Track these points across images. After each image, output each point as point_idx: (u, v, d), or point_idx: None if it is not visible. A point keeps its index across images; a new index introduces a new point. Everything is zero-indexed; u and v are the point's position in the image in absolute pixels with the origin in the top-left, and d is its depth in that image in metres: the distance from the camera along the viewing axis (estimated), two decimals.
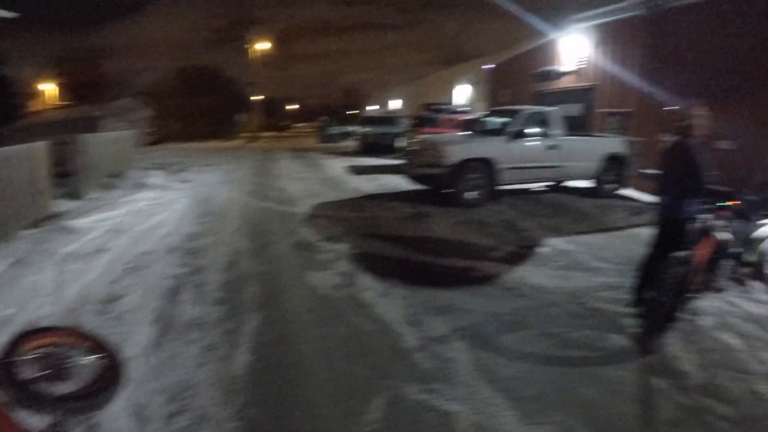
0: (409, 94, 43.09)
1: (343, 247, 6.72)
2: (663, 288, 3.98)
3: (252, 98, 46.01)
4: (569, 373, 3.72)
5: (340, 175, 14.73)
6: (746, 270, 5.98)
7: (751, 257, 6.06)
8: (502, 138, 9.90)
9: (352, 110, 72.40)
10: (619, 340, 4.23)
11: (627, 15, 14.02)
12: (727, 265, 5.85)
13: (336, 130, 32.11)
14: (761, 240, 5.99)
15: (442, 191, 9.74)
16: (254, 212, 9.21)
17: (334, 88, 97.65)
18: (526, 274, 5.86)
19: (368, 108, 59.25)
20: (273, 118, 68.56)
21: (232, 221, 8.44)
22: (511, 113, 10.71)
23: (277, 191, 11.50)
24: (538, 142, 10.22)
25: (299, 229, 7.81)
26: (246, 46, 42.51)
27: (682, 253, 4.10)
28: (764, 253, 5.85)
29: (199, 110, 42.87)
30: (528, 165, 10.06)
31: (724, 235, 4.79)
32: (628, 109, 13.92)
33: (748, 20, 10.85)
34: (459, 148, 9.59)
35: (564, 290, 5.34)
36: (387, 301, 4.95)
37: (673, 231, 4.31)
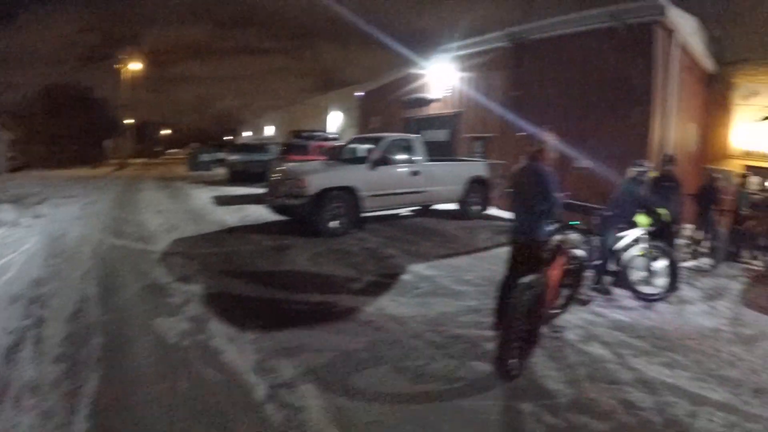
0: (284, 120, 42.67)
1: (196, 288, 6.15)
2: (516, 312, 3.95)
3: (124, 122, 42.63)
4: (431, 410, 3.51)
5: (205, 206, 13.85)
6: (610, 279, 6.49)
7: (613, 267, 6.51)
8: (364, 165, 9.86)
9: (228, 136, 70.49)
10: (482, 367, 4.12)
11: (491, 46, 14.79)
12: (589, 277, 6.23)
13: (207, 157, 30.37)
14: (621, 250, 6.43)
15: (304, 222, 9.43)
16: (108, 251, 8.32)
17: (210, 113, 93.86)
18: (386, 304, 5.67)
19: (244, 134, 57.80)
20: (145, 143, 64.75)
21: (83, 263, 7.50)
22: (374, 140, 10.77)
23: (135, 226, 10.54)
24: (402, 169, 10.38)
25: (153, 269, 7.12)
26: (118, 66, 38.90)
27: (529, 278, 4.12)
28: (625, 262, 6.34)
29: (68, 134, 38.74)
30: (391, 191, 10.11)
31: (578, 252, 5.09)
32: (491, 134, 14.69)
33: (592, 54, 11.92)
34: (318, 177, 9.36)
35: (425, 318, 5.21)
36: (236, 347, 4.50)
37: (526, 252, 4.38)
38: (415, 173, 10.49)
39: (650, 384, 4.01)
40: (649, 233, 6.33)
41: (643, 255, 6.30)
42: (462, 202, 11.66)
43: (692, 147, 13.68)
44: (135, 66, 39.13)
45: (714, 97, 14.26)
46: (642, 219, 6.29)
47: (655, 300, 6.09)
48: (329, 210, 9.24)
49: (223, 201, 14.70)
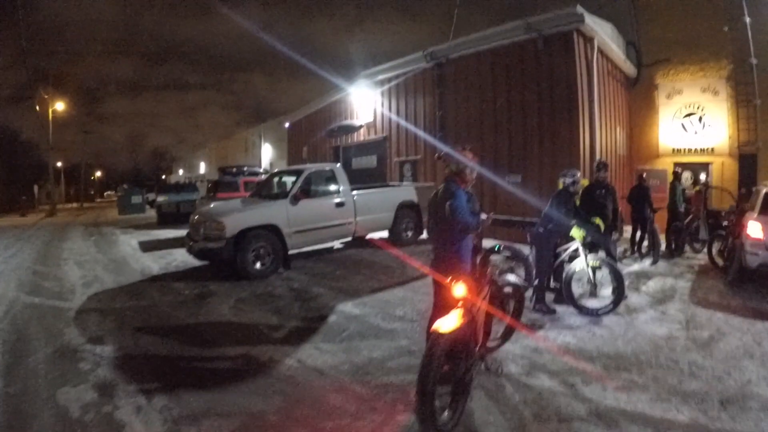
0: (215, 155, 41.59)
1: (107, 350, 5.42)
2: (432, 364, 3.19)
3: (54, 165, 40.01)
4: None
5: (130, 253, 12.84)
6: (552, 297, 6.12)
7: (554, 284, 6.13)
8: (284, 201, 9.23)
9: (164, 175, 68.12)
10: (411, 422, 3.50)
11: (412, 68, 14.53)
12: (529, 298, 5.81)
13: (137, 199, 29.26)
14: (560, 265, 6.10)
15: (227, 266, 8.71)
16: (20, 311, 7.39)
17: (144, 152, 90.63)
18: (309, 354, 5.00)
19: (180, 172, 56.08)
20: (78, 186, 61.34)
21: None
22: (294, 173, 10.20)
23: (53, 281, 9.54)
24: (325, 201, 9.89)
25: (66, 329, 6.34)
26: (41, 105, 34.89)
27: (447, 320, 3.49)
28: (566, 277, 5.92)
29: None
30: (317, 225, 9.58)
31: (510, 277, 4.62)
32: (418, 157, 14.35)
33: (514, 67, 11.79)
34: (236, 217, 8.70)
35: (351, 367, 4.60)
36: (142, 418, 3.81)
37: (445, 288, 3.78)
38: (339, 204, 10.02)
39: (607, 415, 3.52)
40: (587, 244, 6.00)
41: (583, 268, 5.95)
42: (393, 229, 11.31)
43: (622, 150, 13.75)
44: (59, 105, 35.86)
45: (638, 99, 14.50)
46: (576, 231, 5.90)
47: (602, 313, 5.72)
48: (252, 251, 8.55)
49: (149, 246, 13.76)
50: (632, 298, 6.37)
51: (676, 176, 10.60)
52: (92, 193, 70.97)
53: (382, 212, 11.01)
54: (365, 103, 16.70)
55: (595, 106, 11.06)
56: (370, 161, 16.64)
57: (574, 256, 6.08)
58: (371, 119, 16.50)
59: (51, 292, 8.56)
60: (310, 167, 10.45)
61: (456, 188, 3.99)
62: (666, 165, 13.93)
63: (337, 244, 11.26)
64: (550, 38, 10.97)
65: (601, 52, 11.67)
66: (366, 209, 10.56)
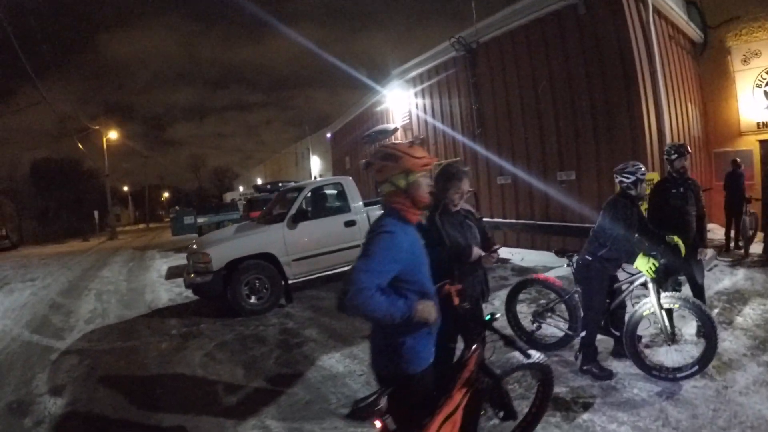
0: (270, 171, 41.37)
1: (58, 404, 4.92)
2: None
3: (122, 190, 41.14)
4: None
5: (153, 281, 12.51)
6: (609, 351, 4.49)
7: (613, 332, 4.38)
8: (281, 225, 8.01)
9: (226, 192, 69.68)
10: None
11: (441, 59, 13.01)
12: (574, 355, 4.32)
13: (189, 220, 29.17)
14: (622, 304, 4.39)
15: (220, 301, 7.70)
16: (13, 350, 7.27)
17: (207, 171, 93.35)
18: None
19: (240, 189, 56.82)
20: (144, 209, 63.47)
21: None
22: (297, 191, 8.91)
23: (63, 315, 9.40)
24: (331, 221, 8.52)
25: (38, 375, 6.01)
26: (99, 137, 35.23)
27: None
28: (630, 325, 4.04)
29: (58, 207, 38.19)
30: (321, 251, 8.24)
31: (519, 358, 2.82)
32: (456, 160, 12.76)
33: (555, 43, 10.08)
34: (222, 248, 7.60)
35: None
36: None
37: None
38: (349, 223, 8.58)
39: None
40: (659, 274, 3.86)
41: (654, 311, 3.94)
42: None
43: (696, 131, 11.62)
44: (112, 134, 36.43)
45: (708, 68, 12.23)
46: (643, 262, 3.74)
47: (682, 377, 3.79)
48: (245, 284, 7.44)
49: (175, 272, 13.24)
50: (723, 340, 4.49)
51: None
52: (161, 213, 73.22)
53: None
54: (400, 104, 15.25)
55: (659, 78, 9.07)
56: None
57: (640, 293, 4.24)
58: (407, 121, 14.99)
59: (53, 330, 8.37)
60: (312, 183, 9.20)
61: (387, 226, 2.11)
62: (751, 145, 11.66)
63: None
64: (593, 0, 9.13)
65: (658, 12, 9.71)
66: None
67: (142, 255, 19.86)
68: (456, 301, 2.43)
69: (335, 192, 9.03)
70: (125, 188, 46.76)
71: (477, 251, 2.85)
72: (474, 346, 2.50)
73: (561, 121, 9.98)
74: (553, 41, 10.03)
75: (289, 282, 7.98)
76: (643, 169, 4.06)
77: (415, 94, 14.47)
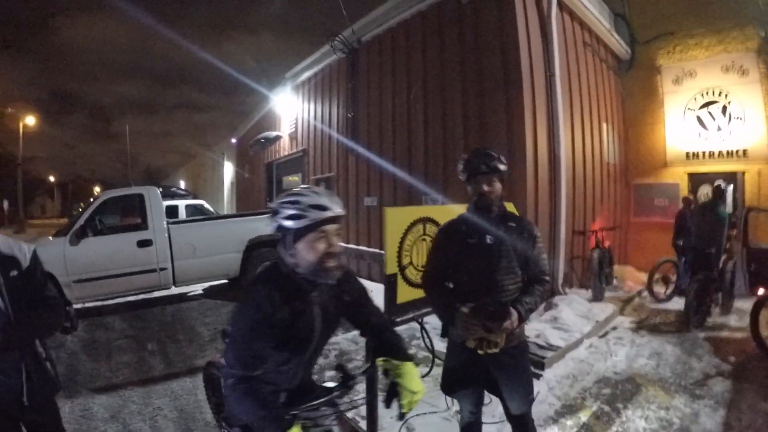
0: (191, 174, 38.68)
1: None
2: None
3: (49, 180, 37.34)
4: None
5: None
6: None
7: None
8: (63, 240, 6.90)
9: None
10: None
11: (326, 62, 10.86)
12: None
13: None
14: None
15: None
16: None
17: (141, 169, 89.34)
18: None
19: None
20: (71, 202, 57.86)
21: None
22: (108, 201, 7.63)
23: None
24: (120, 238, 7.27)
25: None
26: (18, 119, 32.22)
27: None
28: None
29: None
30: (109, 272, 7.03)
31: None
32: (330, 174, 10.60)
33: (428, 44, 8.03)
34: None
35: None
36: None
37: None
38: (144, 243, 7.28)
39: None
40: None
41: None
42: (245, 277, 8.05)
43: (612, 158, 9.66)
44: (30, 119, 32.74)
45: (634, 87, 10.36)
46: None
47: None
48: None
49: None
50: None
51: (718, 194, 6.78)
52: (81, 207, 68.83)
53: (220, 253, 7.90)
54: (288, 110, 13.07)
55: (557, 88, 7.07)
56: (297, 180, 12.95)
57: None
58: (294, 129, 12.79)
59: None
60: (105, 194, 7.77)
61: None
62: (678, 177, 9.80)
63: (199, 288, 8.67)
64: None
65: (568, 11, 7.78)
66: (189, 250, 7.63)
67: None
68: None
69: (133, 205, 7.72)
70: (51, 178, 42.84)
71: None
72: None
73: (430, 137, 7.89)
74: (431, 39, 7.98)
75: (75, 306, 6.93)
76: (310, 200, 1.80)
77: (303, 100, 12.31)
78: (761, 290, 6.03)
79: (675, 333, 6.17)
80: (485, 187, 2.53)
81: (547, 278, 2.61)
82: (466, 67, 7.24)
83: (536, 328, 5.75)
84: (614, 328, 6.37)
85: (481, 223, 2.57)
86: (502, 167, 2.54)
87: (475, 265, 2.55)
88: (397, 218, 3.55)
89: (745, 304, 6.48)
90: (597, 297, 7.18)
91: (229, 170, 24.96)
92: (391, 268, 3.46)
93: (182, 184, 39.10)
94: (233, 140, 20.53)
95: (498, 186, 2.55)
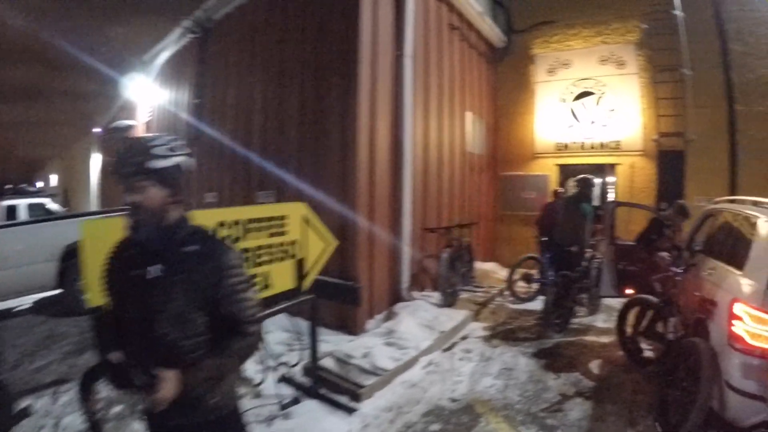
0: (65, 167, 35.46)
1: None
2: None
3: None
4: None
5: None
6: None
7: None
8: None
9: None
10: None
11: (182, 43, 9.62)
12: None
13: None
14: None
15: None
16: None
17: (15, 160, 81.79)
18: None
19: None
20: None
21: None
22: None
23: None
24: None
25: None
26: None
27: None
28: None
29: None
30: None
31: None
32: None
33: (272, 23, 7.06)
34: None
35: None
36: None
37: None
38: None
39: None
40: None
41: None
42: (65, 289, 6.64)
43: (479, 149, 9.04)
44: None
45: (507, 77, 9.90)
46: None
47: None
48: None
49: None
50: None
51: (582, 187, 6.12)
52: None
53: (29, 263, 6.39)
54: (145, 96, 11.66)
55: (407, 67, 6.22)
56: None
57: None
58: (151, 117, 11.44)
59: None
60: None
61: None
62: (548, 169, 9.39)
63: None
64: None
65: None
66: None
67: None
68: None
69: None
70: None
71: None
72: None
73: (268, 127, 6.92)
74: (276, 16, 6.98)
75: None
76: None
77: (159, 85, 11.00)
78: (629, 290, 5.49)
79: (533, 340, 5.58)
80: (131, 197, 1.60)
81: (252, 328, 1.72)
82: (306, 46, 6.30)
83: (365, 345, 4.92)
84: (464, 338, 5.68)
85: (147, 246, 1.65)
86: (156, 164, 1.62)
87: (134, 310, 1.66)
88: (101, 235, 2.43)
89: (614, 302, 6.02)
90: (447, 302, 6.39)
91: (97, 163, 22.80)
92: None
93: (53, 180, 35.67)
94: (97, 130, 18.56)
95: (155, 193, 1.63)
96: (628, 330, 4.86)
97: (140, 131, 11.94)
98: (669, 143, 8.52)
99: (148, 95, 11.40)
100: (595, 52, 9.15)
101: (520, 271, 7.28)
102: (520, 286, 7.30)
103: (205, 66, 8.67)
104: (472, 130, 8.61)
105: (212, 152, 8.06)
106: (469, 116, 8.47)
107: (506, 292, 7.36)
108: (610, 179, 9.13)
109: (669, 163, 8.53)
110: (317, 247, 4.01)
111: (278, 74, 6.75)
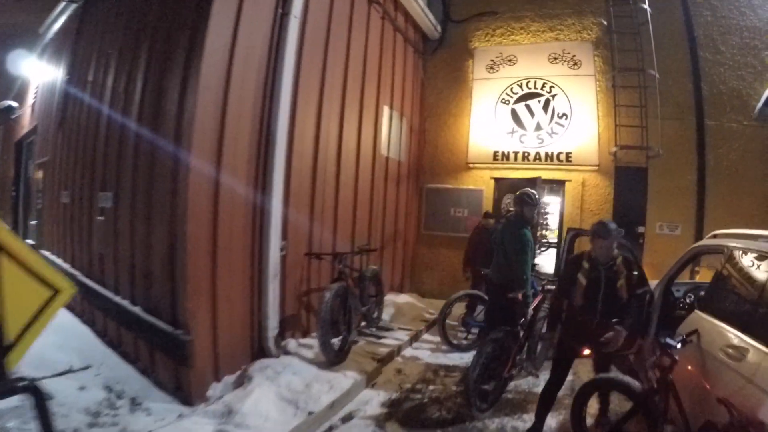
0: None
1: None
2: None
3: None
4: None
5: None
6: None
7: None
8: None
9: None
10: None
11: (69, 13, 8.12)
12: None
13: None
14: None
15: None
16: None
17: None
18: None
19: None
20: None
21: None
22: None
23: None
24: None
25: None
26: None
27: None
28: None
29: None
30: None
31: None
32: (45, 158, 7.90)
33: None
34: None
35: None
36: None
37: None
38: None
39: None
40: None
41: None
42: None
43: (400, 155, 7.63)
44: None
45: (437, 72, 8.56)
46: None
47: None
48: None
49: None
50: None
51: (526, 204, 4.59)
52: None
53: None
54: (34, 74, 10.00)
55: (290, 30, 4.68)
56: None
57: None
58: (35, 98, 9.87)
59: None
60: None
61: None
62: (481, 183, 8.05)
63: None
64: None
65: None
66: None
67: None
68: None
69: None
70: None
71: None
72: None
73: (117, 110, 5.36)
74: None
75: None
76: None
77: (47, 62, 9.41)
78: (586, 350, 3.80)
79: (450, 425, 3.90)
80: None
81: None
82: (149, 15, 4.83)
83: None
84: (346, 420, 3.93)
85: None
86: None
87: None
88: None
89: None
90: (332, 358, 4.66)
91: None
92: None
93: None
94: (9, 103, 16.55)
95: None
96: (589, 420, 3.37)
97: (27, 115, 10.29)
98: (628, 158, 7.37)
99: (35, 74, 9.77)
100: (546, 48, 7.97)
101: (457, 311, 5.79)
102: (456, 333, 5.84)
103: (79, 39, 7.15)
104: (389, 129, 7.17)
105: (73, 142, 6.51)
106: (386, 112, 7.03)
107: (426, 335, 5.84)
108: (546, 200, 7.83)
109: (628, 182, 7.35)
110: (28, 298, 2.10)
111: (132, 46, 5.23)
